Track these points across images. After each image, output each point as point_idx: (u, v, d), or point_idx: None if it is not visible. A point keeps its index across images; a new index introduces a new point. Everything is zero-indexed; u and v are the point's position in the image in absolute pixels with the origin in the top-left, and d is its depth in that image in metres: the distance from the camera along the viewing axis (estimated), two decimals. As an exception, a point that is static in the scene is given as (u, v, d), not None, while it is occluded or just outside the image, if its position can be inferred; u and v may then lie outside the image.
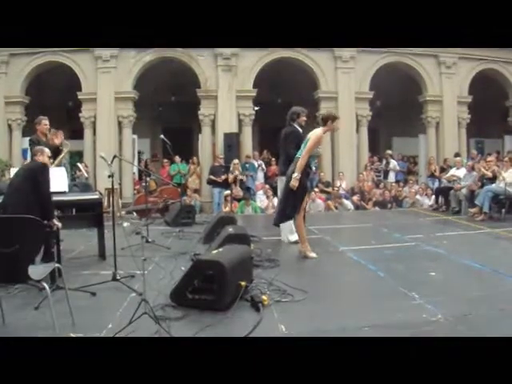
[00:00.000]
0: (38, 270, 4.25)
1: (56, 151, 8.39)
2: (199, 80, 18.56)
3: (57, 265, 4.77)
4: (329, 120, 7.83)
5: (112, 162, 7.34)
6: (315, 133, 7.76)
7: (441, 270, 6.85)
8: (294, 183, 7.44)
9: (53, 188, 6.82)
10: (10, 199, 5.95)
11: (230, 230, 7.52)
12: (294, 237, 8.66)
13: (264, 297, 5.30)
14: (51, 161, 7.71)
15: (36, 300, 5.46)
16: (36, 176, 6.06)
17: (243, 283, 5.33)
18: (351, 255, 8.01)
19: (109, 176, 6.87)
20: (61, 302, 4.67)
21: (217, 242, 7.22)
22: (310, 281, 6.42)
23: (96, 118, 18.61)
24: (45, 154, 6.37)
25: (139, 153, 20.70)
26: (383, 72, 18.99)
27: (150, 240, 8.82)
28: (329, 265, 7.45)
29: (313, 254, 7.70)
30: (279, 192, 9.14)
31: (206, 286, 5.14)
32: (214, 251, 5.85)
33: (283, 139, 8.97)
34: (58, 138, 8.53)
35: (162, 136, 11.39)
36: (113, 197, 7.36)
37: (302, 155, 7.60)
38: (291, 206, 7.67)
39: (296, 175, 7.45)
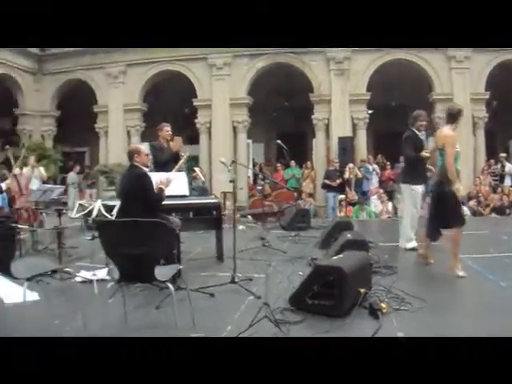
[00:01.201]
0: (163, 271, 4.37)
1: (176, 157, 8.63)
2: (312, 85, 18.54)
3: (180, 266, 4.87)
4: (458, 115, 7.16)
5: (231, 165, 7.46)
6: (447, 136, 7.08)
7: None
8: (458, 194, 7.01)
9: (174, 192, 7.05)
10: (122, 204, 6.12)
11: (348, 235, 7.42)
12: (411, 244, 8.48)
13: (383, 304, 5.16)
14: (173, 165, 7.99)
15: (156, 299, 5.63)
16: (135, 183, 6.25)
17: (362, 290, 5.24)
18: (469, 263, 7.56)
19: (230, 181, 6.99)
20: (180, 303, 4.75)
21: (335, 248, 7.14)
22: (428, 289, 6.22)
23: (211, 123, 19.10)
24: (142, 154, 6.46)
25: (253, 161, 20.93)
26: (498, 71, 18.14)
27: (266, 244, 8.89)
28: (447, 272, 7.05)
29: (461, 273, 6.82)
30: (406, 200, 8.79)
31: (326, 292, 5.08)
32: (335, 257, 5.79)
33: (402, 144, 8.73)
34: (177, 145, 8.73)
35: (278, 141, 11.41)
36: (234, 201, 7.43)
37: (447, 163, 6.95)
38: (454, 218, 7.01)
39: (457, 187, 6.94)
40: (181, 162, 8.67)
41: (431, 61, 18.13)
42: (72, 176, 19.86)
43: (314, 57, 18.35)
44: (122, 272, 4.35)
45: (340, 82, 18.28)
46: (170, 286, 4.25)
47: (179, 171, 8.37)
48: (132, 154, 6.43)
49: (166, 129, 8.97)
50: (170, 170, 8.05)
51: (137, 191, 6.17)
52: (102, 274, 6.90)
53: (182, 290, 5.04)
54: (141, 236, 4.13)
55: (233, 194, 7.41)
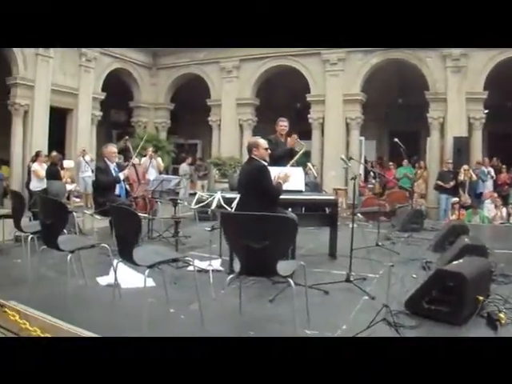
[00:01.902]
0: (285, 266, 4.40)
1: (291, 152, 8.67)
2: (427, 82, 18.08)
3: (301, 263, 4.87)
4: None
5: (349, 161, 7.42)
6: None
7: None
8: None
9: (291, 187, 7.09)
10: (243, 197, 6.19)
11: (467, 240, 7.17)
12: None
13: (501, 314, 4.96)
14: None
15: (269, 292, 5.72)
16: (254, 176, 6.29)
17: (481, 298, 5.07)
18: None
19: (352, 178, 6.97)
20: (295, 298, 4.76)
21: (452, 252, 6.95)
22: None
23: (324, 119, 19.05)
24: (260, 148, 6.50)
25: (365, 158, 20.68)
26: None
27: (379, 244, 8.75)
28: None
29: None
30: None
31: (444, 298, 4.95)
32: (455, 262, 5.61)
33: None
34: (293, 141, 8.74)
35: (396, 139, 11.25)
36: (354, 199, 7.37)
37: None
38: None
39: None
40: (296, 156, 8.70)
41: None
42: (184, 167, 20.42)
43: (430, 53, 17.84)
44: (244, 265, 4.40)
45: (456, 80, 17.64)
46: (291, 281, 4.26)
47: (293, 166, 8.40)
48: (251, 148, 6.51)
49: (282, 123, 9.02)
50: (285, 165, 8.09)
51: (256, 184, 6.25)
52: (217, 264, 7.04)
53: (297, 286, 5.06)
54: (266, 230, 4.16)
55: (353, 191, 7.33)
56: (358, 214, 13.55)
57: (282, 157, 8.42)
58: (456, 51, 17.33)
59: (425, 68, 18.04)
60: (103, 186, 8.92)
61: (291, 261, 5.04)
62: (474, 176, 15.68)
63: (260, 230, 4.17)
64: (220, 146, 20.80)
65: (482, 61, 17.41)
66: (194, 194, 7.25)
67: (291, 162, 8.50)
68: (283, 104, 20.14)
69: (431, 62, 17.94)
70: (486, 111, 17.64)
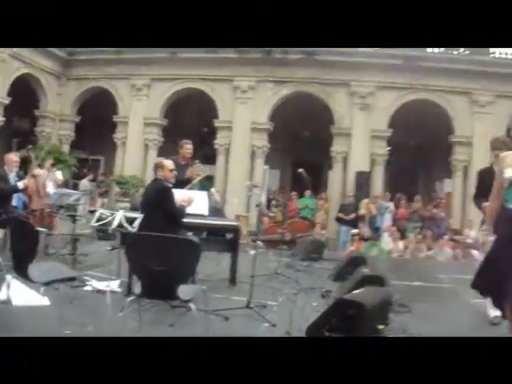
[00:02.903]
0: (186, 290, 4.30)
1: (188, 181, 8.50)
2: (334, 116, 18.54)
3: (203, 287, 4.80)
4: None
5: (253, 189, 7.43)
6: None
7: None
8: None
9: (194, 210, 7.02)
10: (146, 217, 6.09)
11: (366, 270, 7.34)
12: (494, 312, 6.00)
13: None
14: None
15: (169, 317, 5.57)
16: (159, 197, 6.23)
17: (381, 327, 5.16)
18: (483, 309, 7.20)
19: (256, 205, 6.98)
20: (195, 323, 4.65)
21: (351, 282, 7.07)
22: (443, 330, 5.94)
23: (230, 145, 19.10)
24: (165, 169, 6.48)
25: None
26: None
27: (278, 272, 8.79)
28: (460, 316, 6.90)
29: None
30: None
31: (344, 326, 4.97)
32: (355, 291, 5.70)
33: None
34: (193, 172, 8.60)
35: (301, 170, 11.38)
36: (258, 225, 7.38)
37: None
38: None
39: None
40: (195, 181, 8.56)
41: (453, 102, 18.09)
42: (84, 183, 19.80)
43: (338, 89, 18.41)
44: (145, 287, 4.28)
45: (362, 117, 18.28)
46: (193, 306, 4.17)
47: (191, 189, 8.30)
48: (156, 168, 6.45)
49: (186, 146, 8.86)
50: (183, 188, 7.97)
51: (160, 205, 6.16)
52: (115, 285, 6.83)
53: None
54: (168, 252, 4.07)
55: (257, 218, 7.35)
56: (259, 242, 13.61)
57: (181, 181, 8.23)
58: (364, 89, 17.97)
59: (332, 103, 18.52)
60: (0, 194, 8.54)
61: (193, 285, 4.96)
62: (374, 210, 16.12)
63: (163, 252, 4.08)
64: (124, 164, 20.37)
65: (388, 100, 18.15)
66: (94, 211, 7.06)
67: (188, 187, 8.30)
68: (190, 127, 20.02)
69: (338, 98, 18.47)
70: (389, 148, 18.26)
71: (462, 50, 18.46)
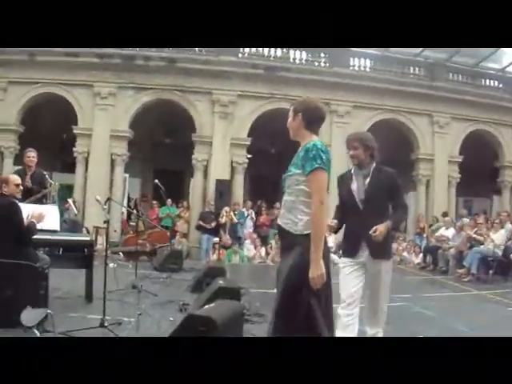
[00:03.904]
0: (30, 316, 4.14)
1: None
2: (195, 124, 18.61)
3: (48, 311, 4.64)
4: None
5: (106, 203, 7.27)
6: None
7: (430, 334, 6.56)
8: None
9: (45, 226, 6.72)
10: None
11: (221, 282, 7.39)
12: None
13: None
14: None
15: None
16: (7, 215, 5.96)
17: (233, 340, 5.21)
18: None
19: (104, 221, 6.81)
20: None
21: (207, 294, 7.10)
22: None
23: (89, 153, 18.48)
24: (10, 184, 6.22)
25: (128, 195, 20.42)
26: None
27: (136, 285, 8.61)
28: None
29: None
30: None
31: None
32: (206, 306, 5.71)
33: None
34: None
35: (156, 181, 11.32)
36: (107, 242, 7.18)
37: None
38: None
39: None
40: (38, 195, 8.28)
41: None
42: None
43: (200, 97, 18.51)
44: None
45: (223, 125, 18.48)
46: (36, 331, 4.02)
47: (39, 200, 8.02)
48: (0, 183, 6.14)
49: (28, 154, 8.58)
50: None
51: (5, 222, 5.85)
52: None
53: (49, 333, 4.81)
54: (5, 279, 3.89)
55: (105, 235, 7.18)
56: (120, 253, 13.38)
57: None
58: (225, 98, 18.14)
59: (193, 111, 18.58)
60: None
61: (38, 309, 4.76)
62: (234, 218, 16.34)
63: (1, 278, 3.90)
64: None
65: (248, 109, 18.46)
66: None
67: (31, 199, 8.01)
68: (49, 133, 19.16)
69: (200, 106, 18.57)
70: (250, 156, 18.59)
71: (322, 62, 19.34)
